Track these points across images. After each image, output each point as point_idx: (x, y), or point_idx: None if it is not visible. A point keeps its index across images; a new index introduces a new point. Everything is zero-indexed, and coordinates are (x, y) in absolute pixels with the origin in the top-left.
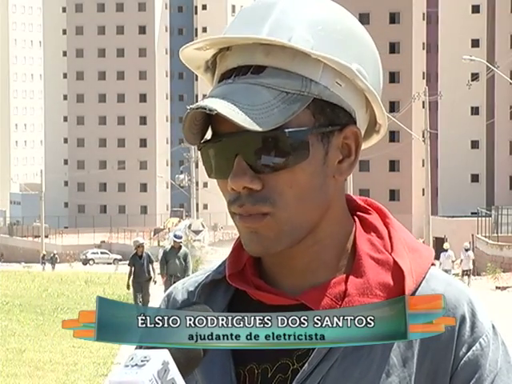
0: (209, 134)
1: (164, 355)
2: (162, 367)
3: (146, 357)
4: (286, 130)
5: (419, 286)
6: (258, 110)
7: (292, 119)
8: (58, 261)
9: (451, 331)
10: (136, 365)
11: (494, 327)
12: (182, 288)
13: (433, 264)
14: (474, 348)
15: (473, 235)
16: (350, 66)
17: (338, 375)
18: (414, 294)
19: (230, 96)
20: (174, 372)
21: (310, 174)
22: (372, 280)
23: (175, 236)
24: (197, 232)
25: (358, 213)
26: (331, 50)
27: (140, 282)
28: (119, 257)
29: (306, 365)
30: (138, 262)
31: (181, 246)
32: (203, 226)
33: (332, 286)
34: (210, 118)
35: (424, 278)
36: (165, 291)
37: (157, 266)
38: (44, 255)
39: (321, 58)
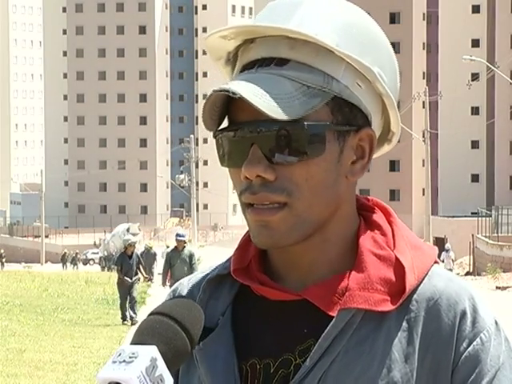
0: (225, 123)
1: (152, 351)
2: (150, 364)
3: (134, 353)
4: (305, 123)
5: (421, 282)
6: (279, 100)
7: (311, 114)
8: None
9: (452, 326)
10: (124, 361)
11: (496, 323)
12: (187, 284)
13: (436, 262)
14: (474, 343)
15: (473, 235)
16: (372, 68)
17: (340, 370)
18: (415, 290)
19: (254, 82)
20: (162, 368)
21: (324, 170)
22: (373, 275)
23: (177, 235)
24: (134, 234)
25: (363, 211)
26: (354, 50)
27: (126, 283)
28: None
29: (308, 360)
30: (126, 262)
31: (184, 246)
32: (139, 230)
33: (334, 282)
34: (229, 106)
35: (426, 274)
36: None
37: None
38: (65, 253)
39: (344, 57)
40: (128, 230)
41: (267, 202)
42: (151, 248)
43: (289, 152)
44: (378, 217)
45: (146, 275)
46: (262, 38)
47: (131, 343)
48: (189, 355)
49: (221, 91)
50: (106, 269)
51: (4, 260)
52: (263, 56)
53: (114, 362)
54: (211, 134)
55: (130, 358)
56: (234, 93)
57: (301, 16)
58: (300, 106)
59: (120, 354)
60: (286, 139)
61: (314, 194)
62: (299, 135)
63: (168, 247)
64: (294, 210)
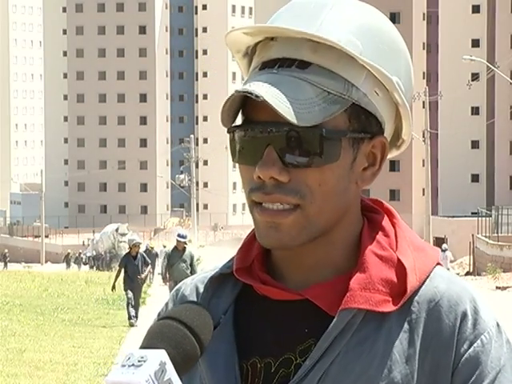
0: (239, 119)
1: (161, 355)
2: (159, 368)
3: (143, 357)
4: (323, 129)
5: (423, 283)
6: (300, 105)
7: (329, 120)
8: (84, 261)
9: (452, 328)
10: (133, 365)
11: (498, 325)
12: (190, 283)
13: (439, 264)
14: (475, 345)
15: (473, 235)
16: (392, 78)
17: (340, 370)
18: (417, 291)
19: (276, 86)
20: (171, 372)
21: (337, 177)
22: (374, 276)
23: (179, 235)
24: (123, 235)
25: (367, 212)
26: (376, 58)
27: (133, 285)
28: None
29: (308, 359)
30: (131, 262)
31: (185, 247)
32: (128, 230)
33: (336, 282)
34: (246, 103)
35: (428, 276)
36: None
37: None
38: (68, 253)
39: (366, 65)
40: (117, 230)
41: (280, 202)
42: (153, 248)
43: (302, 155)
44: (382, 218)
45: (145, 274)
46: (285, 38)
47: (140, 347)
48: (198, 359)
49: (244, 92)
50: (94, 268)
51: (8, 260)
52: (285, 56)
53: (123, 366)
54: (211, 134)
55: (138, 361)
56: (257, 96)
57: (324, 19)
58: (319, 113)
59: (129, 358)
60: (302, 144)
61: (326, 200)
62: (316, 141)
63: (165, 247)
64: (305, 213)
